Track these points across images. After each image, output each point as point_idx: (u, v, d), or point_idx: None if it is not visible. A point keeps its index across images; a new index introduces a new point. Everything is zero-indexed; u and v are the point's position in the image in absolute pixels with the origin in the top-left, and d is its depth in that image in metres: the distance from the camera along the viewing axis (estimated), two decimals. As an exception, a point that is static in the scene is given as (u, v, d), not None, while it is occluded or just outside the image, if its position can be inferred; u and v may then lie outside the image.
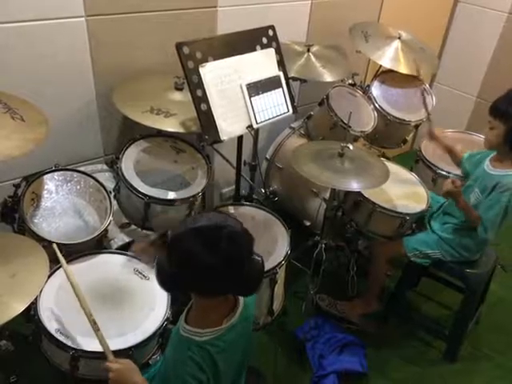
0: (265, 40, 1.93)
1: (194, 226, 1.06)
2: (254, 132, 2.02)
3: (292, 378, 2.09)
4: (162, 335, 1.57)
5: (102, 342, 1.29)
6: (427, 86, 2.64)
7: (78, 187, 1.89)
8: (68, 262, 1.69)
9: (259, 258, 1.14)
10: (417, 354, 2.26)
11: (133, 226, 2.00)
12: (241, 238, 1.09)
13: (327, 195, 2.08)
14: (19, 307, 1.35)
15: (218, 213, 1.16)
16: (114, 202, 1.91)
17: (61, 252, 1.68)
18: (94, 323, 1.30)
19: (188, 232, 1.06)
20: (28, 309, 1.43)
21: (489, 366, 2.23)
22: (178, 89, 2.02)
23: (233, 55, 1.83)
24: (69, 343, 1.44)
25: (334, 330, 2.22)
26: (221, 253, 1.05)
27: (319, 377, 2.03)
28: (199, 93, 1.75)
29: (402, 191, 2.25)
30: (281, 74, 1.98)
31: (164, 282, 1.14)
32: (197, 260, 1.05)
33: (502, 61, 3.24)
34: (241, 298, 1.22)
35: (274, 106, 1.96)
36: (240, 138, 2.07)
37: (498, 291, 2.53)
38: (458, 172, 2.24)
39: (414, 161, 2.54)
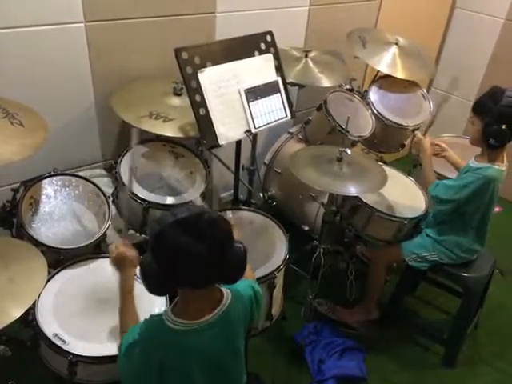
0: (263, 46, 1.95)
1: (174, 219, 1.06)
2: (253, 137, 2.03)
3: (291, 382, 2.08)
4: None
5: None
6: (425, 90, 2.66)
7: (77, 192, 1.89)
8: (66, 266, 1.70)
9: (240, 245, 1.16)
10: (416, 359, 2.26)
11: (131, 231, 2.00)
12: (220, 222, 1.11)
13: (325, 200, 2.08)
14: (17, 312, 1.35)
15: (192, 205, 1.16)
16: (113, 207, 1.91)
17: (59, 257, 1.70)
18: None
19: (170, 226, 1.06)
20: (26, 314, 1.43)
21: (488, 371, 2.23)
22: (177, 94, 2.03)
23: (231, 60, 1.84)
24: (67, 348, 1.44)
25: (332, 334, 2.22)
26: (206, 239, 1.06)
27: (318, 382, 2.03)
28: (198, 98, 1.76)
29: (399, 196, 2.26)
30: (279, 79, 1.99)
31: (153, 284, 1.13)
32: (185, 251, 1.05)
33: (499, 66, 3.26)
34: (227, 300, 1.21)
35: (273, 110, 1.97)
36: (238, 143, 2.08)
37: (497, 296, 2.53)
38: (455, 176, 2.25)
39: (411, 165, 2.55)
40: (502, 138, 1.79)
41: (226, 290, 1.22)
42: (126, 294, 1.31)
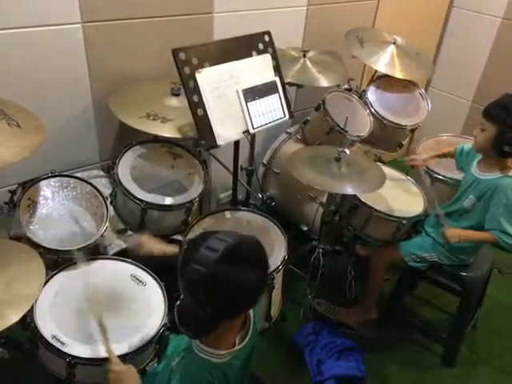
0: (261, 46, 1.94)
1: (219, 256, 1.02)
2: (251, 137, 2.03)
3: (290, 383, 2.08)
4: (158, 342, 1.56)
5: (106, 343, 1.33)
6: (423, 90, 2.66)
7: (75, 193, 1.88)
8: (64, 268, 1.69)
9: None
10: (414, 359, 2.26)
11: (129, 232, 2.00)
12: (259, 243, 1.11)
13: (324, 200, 2.08)
14: (15, 315, 1.34)
15: (211, 232, 1.11)
16: (111, 208, 1.90)
17: (57, 259, 1.69)
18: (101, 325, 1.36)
19: (217, 262, 1.02)
20: (24, 316, 1.42)
21: (487, 370, 2.23)
22: (175, 94, 2.02)
23: (229, 61, 1.84)
24: (65, 350, 1.43)
25: (332, 335, 2.22)
26: (257, 265, 1.07)
27: (317, 382, 2.03)
28: (195, 98, 1.75)
29: (398, 195, 2.26)
30: (277, 79, 1.99)
31: (203, 327, 1.08)
32: (241, 282, 1.04)
33: (496, 65, 3.26)
34: (251, 314, 1.22)
35: (271, 111, 1.97)
36: (237, 143, 2.07)
37: (496, 295, 2.53)
38: (454, 176, 2.25)
39: (410, 165, 2.55)
40: None
41: None
42: None
